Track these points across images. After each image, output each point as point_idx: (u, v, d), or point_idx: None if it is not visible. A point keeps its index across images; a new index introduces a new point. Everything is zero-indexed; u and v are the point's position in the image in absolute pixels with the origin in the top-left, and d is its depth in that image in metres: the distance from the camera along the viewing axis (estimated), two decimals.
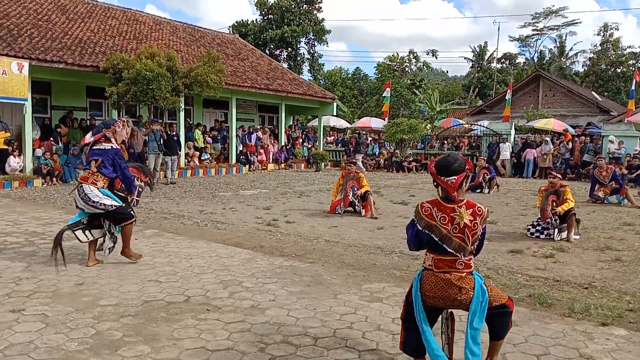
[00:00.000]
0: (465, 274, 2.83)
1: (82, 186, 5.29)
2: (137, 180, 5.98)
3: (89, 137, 5.47)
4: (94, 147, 5.39)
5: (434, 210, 2.87)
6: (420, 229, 2.89)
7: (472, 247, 2.83)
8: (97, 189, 5.28)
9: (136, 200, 5.97)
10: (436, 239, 2.82)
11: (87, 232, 5.37)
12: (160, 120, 15.70)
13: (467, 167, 2.85)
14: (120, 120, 5.65)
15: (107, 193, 5.33)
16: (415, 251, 3.01)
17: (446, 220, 2.82)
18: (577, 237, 7.44)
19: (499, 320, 2.93)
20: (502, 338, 3.01)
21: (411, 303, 2.96)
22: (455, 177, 2.79)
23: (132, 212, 5.57)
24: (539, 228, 7.52)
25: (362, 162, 21.48)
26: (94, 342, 3.48)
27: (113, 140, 5.42)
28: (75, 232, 5.33)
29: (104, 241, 5.47)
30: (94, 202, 5.22)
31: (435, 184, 2.94)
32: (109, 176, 5.36)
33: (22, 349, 3.33)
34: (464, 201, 2.85)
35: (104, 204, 5.25)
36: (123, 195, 5.63)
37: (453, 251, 2.81)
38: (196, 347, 3.43)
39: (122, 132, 5.53)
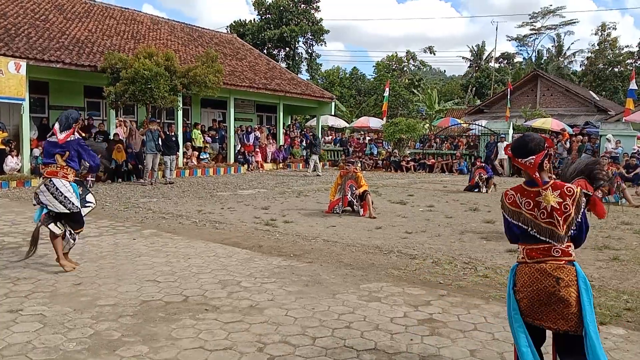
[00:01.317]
0: (563, 262, 2.52)
1: (51, 181, 5.10)
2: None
3: (60, 133, 5.20)
4: (63, 140, 5.21)
5: (517, 196, 2.63)
6: (509, 219, 2.67)
7: (567, 232, 2.53)
8: (69, 182, 5.15)
9: (92, 180, 5.83)
10: (524, 226, 2.59)
11: (58, 223, 5.24)
12: (158, 120, 15.67)
13: (546, 144, 2.60)
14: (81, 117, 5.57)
15: (76, 190, 5.23)
16: (514, 244, 2.77)
17: (531, 205, 2.57)
18: None
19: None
20: None
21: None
22: (534, 156, 2.56)
23: (90, 196, 5.60)
24: None
25: (362, 162, 21.48)
26: (92, 342, 3.47)
27: (76, 133, 5.29)
28: (49, 226, 5.18)
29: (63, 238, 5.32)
30: (65, 197, 5.08)
31: (516, 168, 2.75)
32: (76, 169, 5.26)
33: (19, 349, 3.33)
34: (550, 183, 2.58)
35: (72, 203, 5.13)
36: (78, 179, 5.51)
37: (545, 238, 2.54)
38: (194, 346, 3.43)
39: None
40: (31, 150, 14.03)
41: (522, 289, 2.57)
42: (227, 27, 44.30)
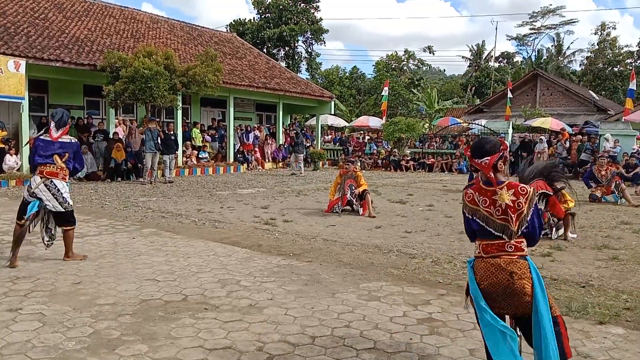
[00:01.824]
0: (516, 257, 2.69)
1: (52, 181, 5.21)
2: None
3: (55, 131, 5.27)
4: (59, 141, 5.30)
5: (475, 195, 2.82)
6: (468, 216, 2.85)
7: (519, 228, 2.70)
8: (66, 184, 5.33)
9: None
10: (481, 223, 2.77)
11: (40, 224, 5.42)
12: (158, 119, 15.64)
13: (501, 147, 2.79)
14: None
15: (69, 190, 5.42)
16: (472, 242, 2.94)
17: (487, 203, 2.76)
18: (575, 235, 7.45)
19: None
20: None
21: (473, 298, 2.80)
22: (489, 157, 2.74)
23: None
24: None
25: (361, 161, 21.46)
26: (92, 341, 3.47)
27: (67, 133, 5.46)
28: (30, 226, 5.34)
29: (42, 236, 5.48)
30: (64, 198, 5.26)
31: (473, 168, 2.91)
32: (70, 170, 5.41)
33: (19, 348, 3.32)
34: (505, 182, 2.75)
35: (69, 203, 5.35)
36: None
37: (499, 234, 2.72)
38: (194, 346, 3.43)
39: None
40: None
41: (481, 282, 2.75)
42: (227, 26, 44.30)
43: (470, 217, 2.84)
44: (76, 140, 5.54)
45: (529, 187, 2.75)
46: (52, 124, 5.29)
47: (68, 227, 5.46)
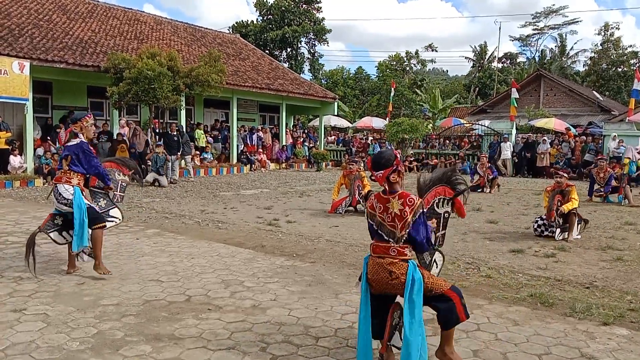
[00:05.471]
0: (397, 260, 3.05)
1: (56, 186, 5.09)
2: (120, 175, 5.70)
3: (63, 136, 5.32)
4: (66, 145, 5.24)
5: (374, 201, 3.18)
6: (367, 219, 3.21)
7: (403, 235, 3.03)
8: (72, 186, 5.03)
9: (120, 196, 5.68)
10: (375, 226, 3.14)
11: (63, 233, 5.15)
12: (161, 143, 15.13)
13: (394, 162, 3.10)
14: (88, 115, 5.42)
15: (78, 192, 5.04)
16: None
17: (382, 209, 3.12)
18: (578, 236, 7.43)
19: (441, 307, 3.08)
20: (447, 328, 3.12)
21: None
22: (382, 171, 3.09)
23: (115, 211, 5.47)
24: (541, 223, 7.52)
25: (364, 162, 21.43)
26: (96, 341, 3.48)
27: (81, 135, 5.18)
28: (50, 234, 5.11)
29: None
30: (65, 199, 4.96)
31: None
32: (81, 172, 5.11)
33: (23, 349, 3.34)
34: (398, 192, 3.09)
35: (71, 201, 4.99)
36: (102, 191, 5.42)
37: (386, 237, 3.08)
38: (197, 346, 3.44)
39: (90, 127, 5.28)
40: (34, 150, 14.07)
41: (369, 276, 3.15)
42: (230, 27, 44.36)
43: (368, 219, 3.19)
44: (80, 140, 5.15)
45: (416, 198, 3.09)
46: (63, 130, 5.26)
47: (95, 226, 5.03)
